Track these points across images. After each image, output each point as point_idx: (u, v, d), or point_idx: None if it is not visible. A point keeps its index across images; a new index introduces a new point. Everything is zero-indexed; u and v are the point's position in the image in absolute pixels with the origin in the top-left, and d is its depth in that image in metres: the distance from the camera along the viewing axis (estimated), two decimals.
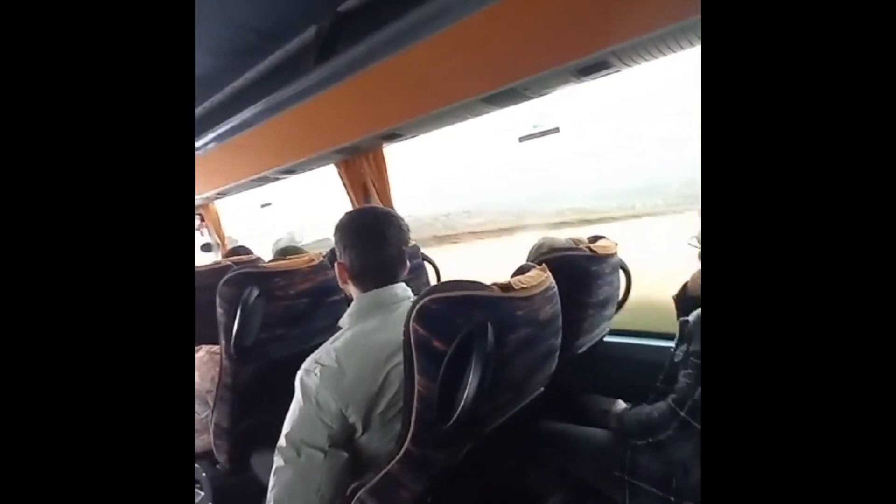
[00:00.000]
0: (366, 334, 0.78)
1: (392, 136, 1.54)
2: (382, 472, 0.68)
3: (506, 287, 0.69)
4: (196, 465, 1.42)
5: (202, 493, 1.45)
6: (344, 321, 0.85)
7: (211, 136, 1.42)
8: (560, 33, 0.88)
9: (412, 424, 0.65)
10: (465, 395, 0.60)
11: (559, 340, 0.82)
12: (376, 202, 1.75)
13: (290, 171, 1.95)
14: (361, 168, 1.74)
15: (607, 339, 1.38)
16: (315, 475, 0.73)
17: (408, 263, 0.89)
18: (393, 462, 0.67)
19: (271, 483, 0.75)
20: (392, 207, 1.74)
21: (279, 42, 1.16)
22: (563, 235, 1.15)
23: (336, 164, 1.78)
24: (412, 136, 1.55)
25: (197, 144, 1.52)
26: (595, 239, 1.20)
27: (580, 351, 1.13)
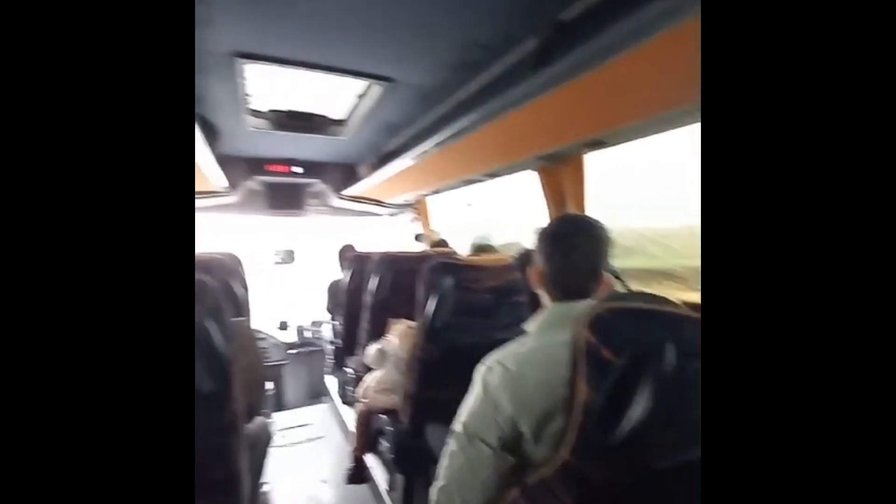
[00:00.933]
0: (552, 347, 0.74)
1: (596, 144, 1.49)
2: (538, 476, 0.68)
3: (697, 307, 0.60)
4: (385, 417, 1.68)
5: (386, 444, 1.70)
6: (530, 327, 0.83)
7: (432, 141, 1.63)
8: None
9: (571, 433, 0.62)
10: (631, 416, 0.55)
11: None
12: (571, 210, 1.72)
13: (494, 175, 2.09)
14: (560, 175, 1.74)
15: None
16: (482, 469, 0.74)
17: (605, 278, 0.82)
18: (548, 467, 0.66)
19: (444, 462, 0.79)
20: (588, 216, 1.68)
21: (500, 55, 1.25)
22: None
23: (537, 171, 1.82)
24: (616, 144, 1.48)
25: (421, 150, 1.77)
26: None
27: None
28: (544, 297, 0.86)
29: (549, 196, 1.80)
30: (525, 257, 1.50)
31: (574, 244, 0.81)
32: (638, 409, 0.55)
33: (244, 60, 1.31)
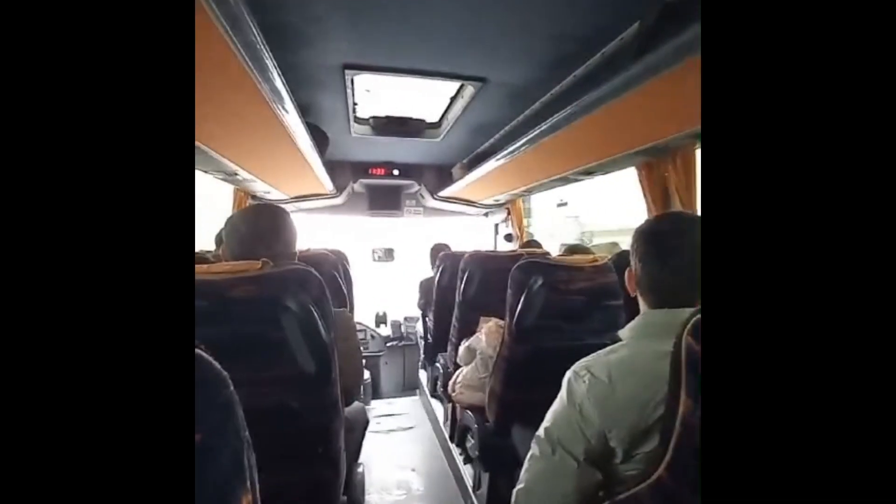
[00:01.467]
0: (648, 358, 0.68)
1: None
2: (629, 492, 0.64)
3: None
4: (471, 414, 1.70)
5: (472, 441, 1.73)
6: (624, 334, 0.77)
7: (525, 139, 1.61)
8: None
9: (670, 449, 0.57)
10: None
11: None
12: (677, 209, 1.57)
13: (589, 173, 1.99)
14: (665, 171, 1.59)
15: None
16: (565, 479, 0.71)
17: None
18: (642, 484, 0.61)
19: (526, 466, 0.77)
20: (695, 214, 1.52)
21: (597, 48, 1.19)
22: None
23: (637, 167, 1.70)
24: None
25: (513, 149, 1.75)
26: None
27: None
28: (640, 303, 0.80)
29: (651, 195, 1.67)
30: (623, 259, 1.41)
31: (673, 246, 0.73)
32: None
33: (352, 72, 1.42)
